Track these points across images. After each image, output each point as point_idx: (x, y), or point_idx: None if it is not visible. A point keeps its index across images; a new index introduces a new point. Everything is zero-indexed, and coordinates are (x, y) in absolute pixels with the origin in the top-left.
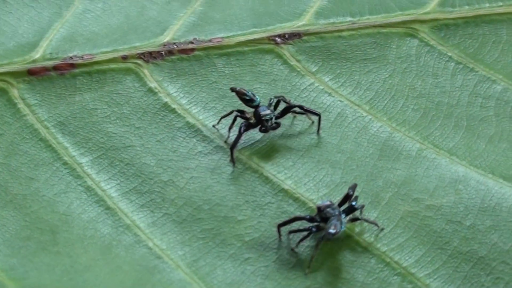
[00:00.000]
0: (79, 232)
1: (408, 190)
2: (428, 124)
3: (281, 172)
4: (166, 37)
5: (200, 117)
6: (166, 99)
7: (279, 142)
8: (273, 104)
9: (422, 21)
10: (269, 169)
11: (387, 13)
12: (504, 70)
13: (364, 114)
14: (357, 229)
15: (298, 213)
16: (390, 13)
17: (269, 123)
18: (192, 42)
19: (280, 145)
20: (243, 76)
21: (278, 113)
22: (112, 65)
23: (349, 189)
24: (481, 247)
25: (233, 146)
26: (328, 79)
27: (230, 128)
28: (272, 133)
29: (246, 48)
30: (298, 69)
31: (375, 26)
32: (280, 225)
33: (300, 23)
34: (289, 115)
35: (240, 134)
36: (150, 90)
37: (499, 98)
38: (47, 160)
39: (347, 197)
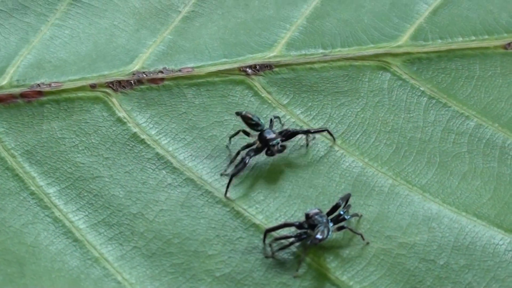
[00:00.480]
0: (47, 265)
1: (380, 227)
2: (400, 160)
3: (252, 206)
4: (135, 66)
5: (170, 149)
6: (135, 130)
7: (250, 176)
8: (275, 126)
9: (394, 55)
10: (240, 203)
11: (359, 45)
12: (477, 106)
13: (336, 148)
14: (329, 266)
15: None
16: (362, 45)
17: (275, 148)
18: (161, 72)
19: (251, 179)
20: (214, 107)
21: (283, 137)
22: (80, 94)
23: (339, 199)
24: (454, 287)
25: (234, 174)
26: (299, 111)
27: (231, 137)
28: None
29: (216, 79)
30: (269, 101)
31: (347, 59)
32: (268, 230)
33: (271, 54)
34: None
35: (245, 164)
36: (119, 120)
37: (472, 135)
38: (14, 189)
39: (336, 207)
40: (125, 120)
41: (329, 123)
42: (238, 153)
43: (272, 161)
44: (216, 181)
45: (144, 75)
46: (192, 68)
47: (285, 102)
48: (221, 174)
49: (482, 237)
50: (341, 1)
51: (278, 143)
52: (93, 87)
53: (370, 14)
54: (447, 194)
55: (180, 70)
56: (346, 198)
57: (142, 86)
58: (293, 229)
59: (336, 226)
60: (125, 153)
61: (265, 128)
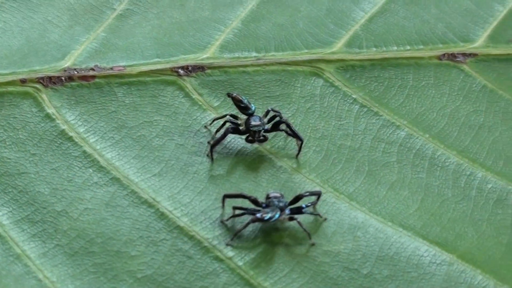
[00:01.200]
0: None
1: (305, 234)
2: (329, 167)
3: (177, 208)
4: (67, 62)
5: (98, 147)
6: (64, 127)
7: (177, 177)
8: (268, 117)
9: (328, 61)
10: (166, 204)
11: (293, 50)
12: (408, 116)
13: (265, 153)
14: (252, 272)
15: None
16: (296, 51)
17: (257, 135)
18: (93, 69)
19: (178, 180)
20: (144, 107)
21: (268, 127)
22: (10, 88)
23: (306, 191)
24: None
25: (213, 145)
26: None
27: (217, 131)
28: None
29: (148, 79)
30: (200, 103)
31: (280, 64)
32: (225, 196)
33: (204, 56)
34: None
35: (224, 135)
36: (48, 116)
37: (402, 144)
38: None
39: (298, 198)
40: (54, 117)
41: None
42: (223, 125)
43: (199, 163)
44: (142, 182)
45: (75, 72)
46: (124, 66)
47: (215, 104)
48: (208, 142)
49: (407, 248)
50: (277, 4)
51: (260, 131)
52: (23, 82)
53: (306, 19)
54: (374, 203)
55: (111, 68)
56: (315, 194)
57: (73, 83)
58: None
59: (289, 215)
60: (53, 150)
61: (253, 112)
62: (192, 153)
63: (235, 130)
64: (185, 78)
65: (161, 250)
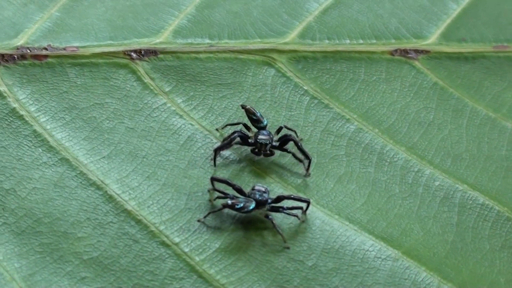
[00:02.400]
0: None
1: (252, 225)
2: (277, 158)
3: (125, 192)
4: (20, 41)
5: (48, 127)
6: (15, 105)
7: (126, 161)
8: (280, 134)
9: (280, 51)
10: (114, 187)
11: (246, 39)
12: (358, 109)
13: (214, 140)
14: (197, 258)
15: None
16: (249, 39)
17: (263, 148)
18: (46, 49)
19: (127, 164)
20: (95, 88)
21: (276, 144)
22: None
23: (291, 194)
24: None
25: (218, 149)
26: (180, 100)
27: (225, 139)
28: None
29: (100, 60)
30: (151, 87)
31: (233, 51)
32: (212, 178)
33: (157, 41)
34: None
35: (230, 142)
36: None
37: (351, 138)
38: None
39: (280, 198)
40: (5, 95)
41: (209, 115)
42: (234, 133)
43: (147, 149)
44: (92, 164)
45: (28, 51)
46: (77, 47)
47: (167, 89)
48: (216, 129)
49: (353, 242)
50: None
51: (266, 144)
52: None
53: (260, 8)
54: (321, 195)
55: (64, 49)
56: (303, 201)
57: (25, 62)
58: None
59: (266, 211)
60: (3, 127)
61: (265, 127)
62: (142, 137)
63: (244, 140)
64: (138, 62)
65: (108, 232)
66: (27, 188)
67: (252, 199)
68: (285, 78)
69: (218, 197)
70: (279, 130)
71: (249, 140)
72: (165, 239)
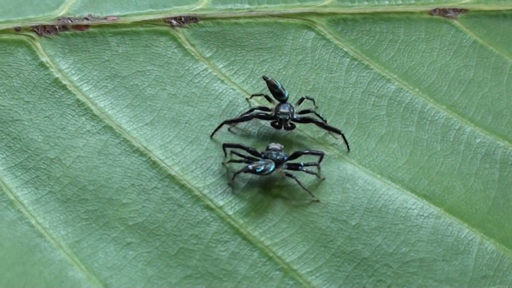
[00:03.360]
0: None
1: (295, 185)
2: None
3: (169, 157)
4: (61, 11)
5: (91, 96)
6: (57, 75)
7: (169, 126)
8: (302, 106)
9: (320, 14)
10: (157, 153)
11: (285, 3)
12: (399, 69)
13: (256, 104)
14: (241, 221)
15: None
16: (288, 3)
17: (284, 123)
18: (87, 19)
19: (170, 130)
20: (136, 56)
21: (298, 117)
22: (5, 36)
23: (306, 149)
24: (365, 248)
25: (227, 121)
26: (221, 65)
27: (253, 95)
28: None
29: (141, 29)
30: (192, 54)
31: (272, 16)
32: (224, 145)
33: (197, 7)
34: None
35: (248, 117)
36: (42, 65)
37: (392, 98)
38: None
39: (296, 155)
40: (47, 65)
41: (251, 79)
42: (252, 110)
43: (189, 115)
44: (135, 131)
45: (69, 21)
46: (118, 16)
47: (208, 55)
48: (246, 99)
49: (395, 201)
50: None
51: (287, 119)
52: (18, 30)
53: None
54: (363, 155)
55: (105, 18)
56: (317, 154)
57: (67, 32)
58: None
59: (286, 170)
60: (46, 98)
61: (287, 99)
62: (184, 103)
63: (262, 116)
64: (178, 28)
65: (152, 198)
66: (71, 156)
67: (270, 160)
68: (325, 41)
69: (232, 160)
70: (300, 101)
71: (270, 113)
72: (209, 202)
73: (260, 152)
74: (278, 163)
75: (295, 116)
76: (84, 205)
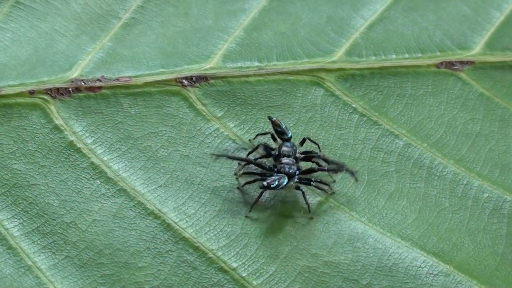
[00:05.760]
0: None
1: (307, 245)
2: (329, 177)
3: (183, 219)
4: (74, 73)
5: (105, 158)
6: (72, 138)
7: (182, 189)
8: (304, 147)
9: (328, 70)
10: (171, 216)
11: (294, 60)
12: (406, 124)
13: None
14: (255, 282)
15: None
16: (297, 60)
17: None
18: (99, 80)
19: (183, 192)
20: (149, 117)
21: (300, 156)
22: (19, 99)
23: (323, 166)
24: None
25: (230, 157)
26: (233, 125)
27: (249, 153)
28: None
29: (153, 89)
30: (204, 113)
31: (282, 73)
32: (228, 157)
33: (208, 66)
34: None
35: (250, 160)
36: (56, 128)
37: (400, 154)
38: None
39: (311, 170)
40: (62, 128)
41: (262, 138)
42: (258, 147)
43: (202, 175)
44: (149, 193)
45: (82, 83)
46: (130, 77)
47: (219, 114)
48: (249, 140)
49: (405, 259)
50: (279, 12)
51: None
52: (32, 93)
53: (307, 27)
54: (373, 213)
55: (117, 79)
56: (332, 171)
57: (80, 94)
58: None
59: (296, 183)
60: (61, 161)
61: (290, 139)
62: (197, 164)
63: (266, 155)
64: (189, 88)
65: (167, 261)
66: (87, 220)
67: (283, 174)
68: (334, 97)
69: (247, 183)
70: (302, 142)
71: (272, 152)
72: (223, 264)
73: (272, 166)
74: (290, 176)
75: (297, 155)
76: (100, 270)
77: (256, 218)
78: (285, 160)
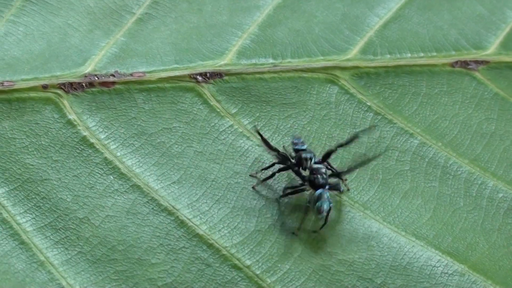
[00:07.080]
0: None
1: (321, 243)
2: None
3: (196, 216)
4: (88, 68)
5: (118, 154)
6: (85, 133)
7: (196, 185)
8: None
9: (343, 68)
10: (185, 212)
11: (309, 57)
12: (421, 123)
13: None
14: (269, 280)
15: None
16: (312, 57)
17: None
18: (113, 75)
19: (197, 188)
20: (163, 113)
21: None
22: (32, 94)
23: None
24: None
25: (252, 174)
26: (247, 122)
27: (264, 168)
28: None
29: (167, 85)
30: (218, 110)
31: (296, 70)
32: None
33: (222, 62)
34: None
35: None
36: (69, 122)
37: (415, 153)
38: None
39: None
40: (75, 123)
41: (276, 135)
42: (273, 165)
43: (216, 173)
44: (162, 189)
45: (96, 78)
46: (144, 73)
47: (233, 111)
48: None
49: (420, 258)
50: (294, 9)
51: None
52: (45, 87)
53: (322, 25)
54: (387, 212)
55: (131, 75)
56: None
57: (93, 89)
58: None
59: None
60: (74, 156)
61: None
62: (211, 160)
63: (284, 166)
64: (203, 84)
65: (181, 258)
66: (100, 216)
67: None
68: (348, 95)
69: (286, 194)
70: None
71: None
72: (236, 262)
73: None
74: (322, 187)
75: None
76: (113, 266)
77: (269, 215)
78: (316, 166)
